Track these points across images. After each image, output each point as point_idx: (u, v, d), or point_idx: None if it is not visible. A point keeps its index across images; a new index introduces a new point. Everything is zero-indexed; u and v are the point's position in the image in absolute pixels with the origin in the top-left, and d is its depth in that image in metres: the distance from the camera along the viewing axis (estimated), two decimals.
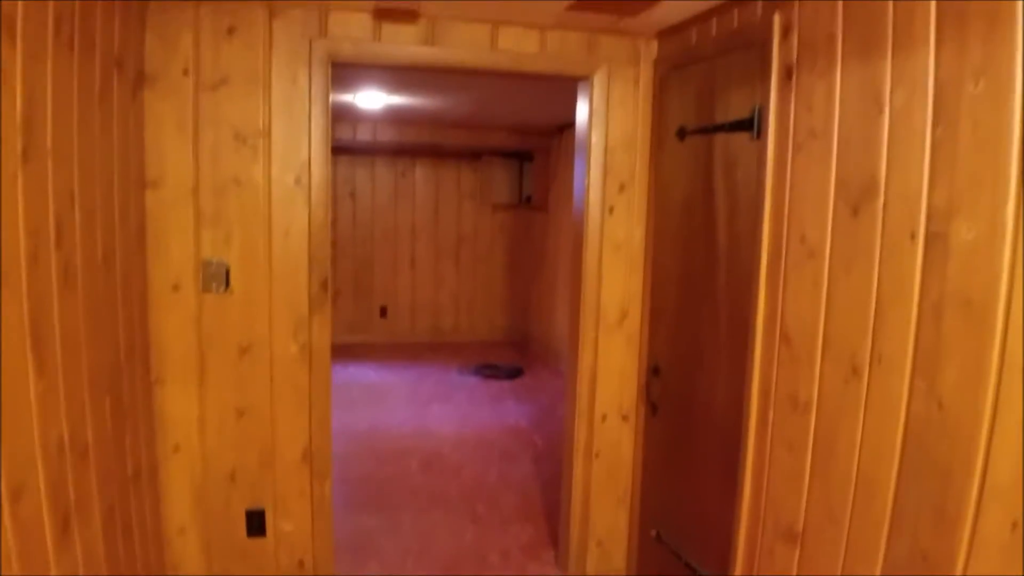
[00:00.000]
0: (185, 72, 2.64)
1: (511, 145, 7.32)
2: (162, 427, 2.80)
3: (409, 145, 7.36)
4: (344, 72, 4.16)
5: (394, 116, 6.45)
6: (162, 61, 2.62)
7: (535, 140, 7.33)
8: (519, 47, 2.81)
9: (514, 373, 6.79)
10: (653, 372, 2.96)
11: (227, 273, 2.75)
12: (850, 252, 1.89)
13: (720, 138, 2.50)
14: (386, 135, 6.99)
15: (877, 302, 1.81)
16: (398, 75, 4.29)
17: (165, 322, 2.73)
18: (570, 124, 6.71)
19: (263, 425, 2.87)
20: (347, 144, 7.44)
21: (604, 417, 3.13)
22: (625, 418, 3.15)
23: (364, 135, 6.95)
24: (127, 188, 2.49)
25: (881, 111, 1.78)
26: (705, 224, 2.60)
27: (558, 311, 7.19)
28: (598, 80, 2.89)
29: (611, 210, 2.98)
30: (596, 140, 2.93)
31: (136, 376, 2.60)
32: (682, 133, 2.72)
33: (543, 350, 7.64)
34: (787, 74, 2.15)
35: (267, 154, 2.73)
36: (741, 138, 2.36)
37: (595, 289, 3.03)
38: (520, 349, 7.91)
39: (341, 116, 6.58)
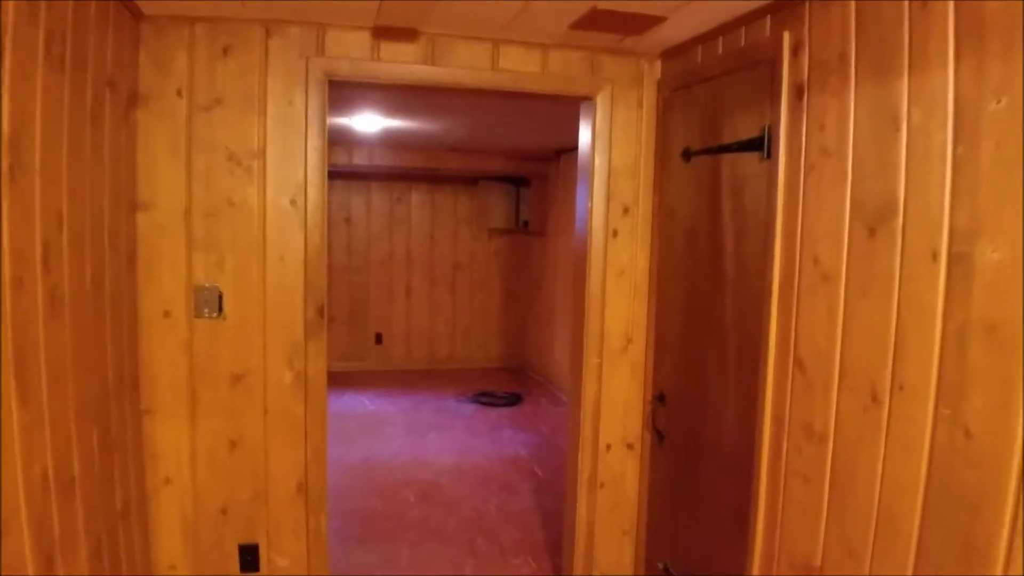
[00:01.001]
0: (179, 93, 2.58)
1: (508, 170, 7.29)
2: (152, 459, 2.70)
3: (405, 170, 7.32)
4: (341, 94, 4.11)
5: (391, 140, 6.41)
6: (155, 81, 2.56)
7: (532, 165, 7.30)
8: (520, 67, 2.76)
9: (512, 401, 6.69)
10: (659, 400, 2.89)
11: (220, 298, 2.67)
12: (867, 274, 1.83)
13: (727, 159, 2.44)
14: (382, 159, 6.95)
15: (897, 326, 1.74)
16: (395, 97, 4.25)
17: (156, 349, 2.65)
18: (568, 149, 6.69)
19: (256, 457, 2.77)
20: (343, 169, 7.39)
21: (608, 447, 3.05)
22: (630, 447, 3.06)
23: (360, 159, 6.90)
24: (118, 210, 2.42)
25: (898, 129, 1.73)
26: (712, 247, 2.54)
27: (556, 338, 7.11)
28: (601, 101, 2.84)
29: (615, 234, 2.92)
30: (599, 162, 2.87)
31: (125, 406, 2.51)
32: (687, 155, 2.67)
33: (541, 378, 7.55)
34: (798, 93, 2.10)
35: (262, 176, 2.66)
36: (750, 159, 2.31)
37: (598, 315, 2.96)
38: (517, 377, 7.82)
39: (337, 140, 6.54)
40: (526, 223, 7.77)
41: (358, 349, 7.92)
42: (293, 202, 2.69)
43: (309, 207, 2.70)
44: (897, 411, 1.74)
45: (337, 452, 5.24)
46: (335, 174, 7.62)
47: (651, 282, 2.96)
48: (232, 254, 2.67)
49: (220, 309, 2.68)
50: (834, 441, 1.95)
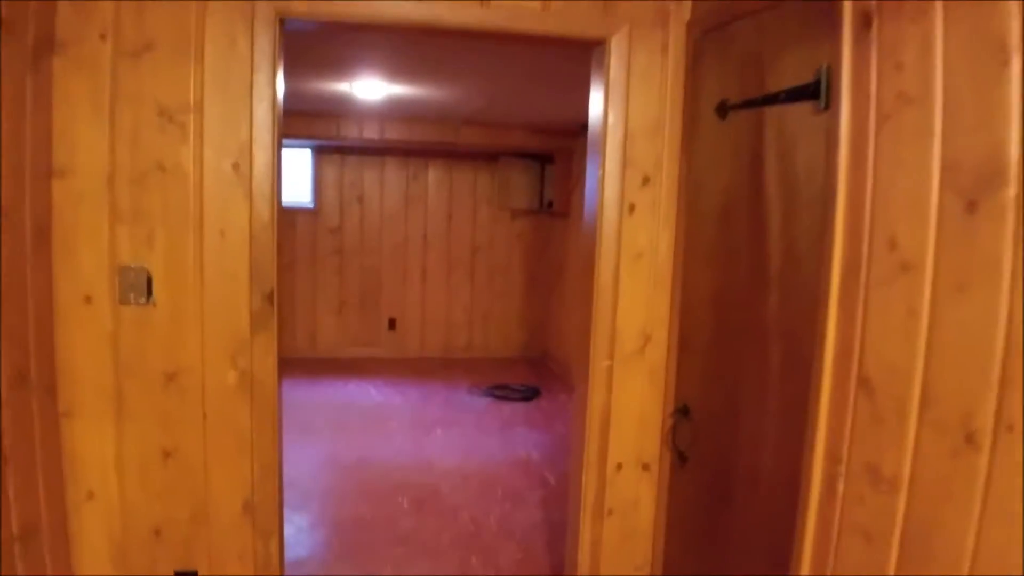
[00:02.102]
0: (102, 37, 2.13)
1: (531, 146, 6.76)
2: (72, 470, 2.27)
3: (420, 144, 6.83)
4: (335, 55, 3.65)
5: (401, 111, 5.93)
6: (75, 24, 2.11)
7: (556, 140, 6.76)
8: (516, 2, 2.25)
9: (529, 395, 6.20)
10: (682, 414, 2.37)
11: (149, 282, 2.22)
12: (964, 264, 1.30)
13: (773, 112, 1.91)
14: (395, 133, 6.47)
15: (1007, 339, 1.22)
16: (392, 56, 3.75)
17: (75, 341, 2.21)
18: None
19: (194, 471, 2.32)
20: (354, 143, 6.94)
21: (619, 467, 2.54)
22: (646, 468, 2.55)
23: (370, 133, 6.43)
24: (26, 177, 1.98)
25: (1006, 64, 1.20)
26: (752, 227, 2.01)
27: (578, 324, 6.59)
28: (616, 46, 2.31)
29: (631, 209, 2.40)
30: (613, 121, 2.35)
31: (35, 408, 2.08)
32: (723, 110, 2.14)
33: (562, 370, 7.05)
34: (864, 22, 1.56)
35: (198, 134, 2.20)
36: (802, 110, 1.77)
37: (610, 308, 2.44)
38: (537, 368, 7.33)
39: (344, 111, 6.07)
40: (550, 203, 7.24)
41: (370, 335, 7.49)
42: (236, 166, 2.22)
43: (256, 173, 2.23)
44: (1002, 458, 1.23)
45: (332, 449, 4.81)
46: (346, 149, 7.17)
47: (675, 269, 2.44)
48: (163, 228, 2.21)
49: (149, 294, 2.22)
50: (909, 491, 1.43)
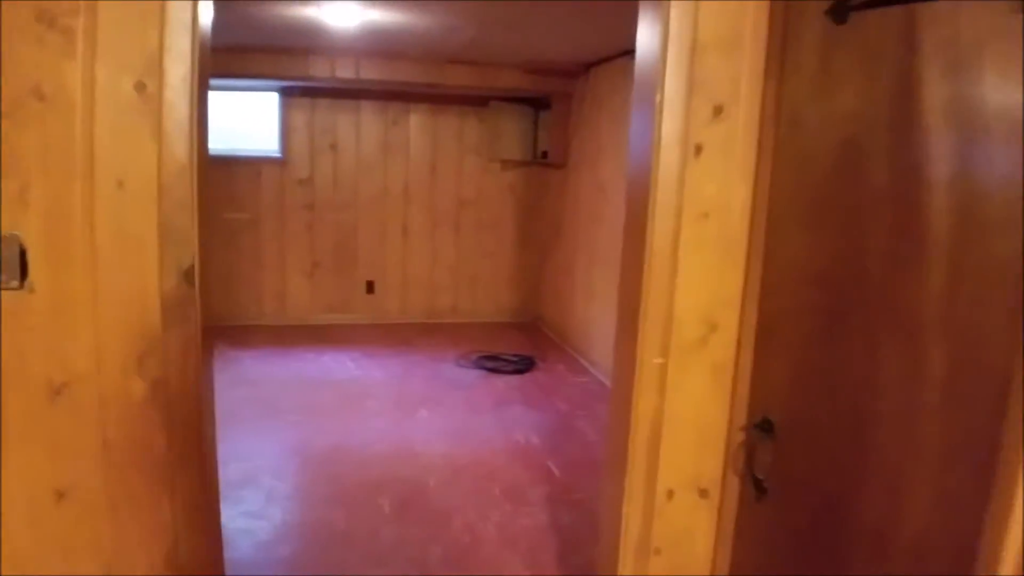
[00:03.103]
0: None
1: (525, 88, 6.04)
2: None
3: (400, 86, 6.10)
4: None
5: (379, 45, 5.19)
6: None
7: (554, 82, 6.04)
8: None
9: (523, 366, 5.59)
10: (760, 429, 1.74)
11: (22, 257, 1.54)
12: None
13: (936, 10, 1.25)
14: (372, 72, 5.73)
15: None
16: None
17: None
18: (600, 61, 5.43)
19: (97, 515, 1.68)
20: (325, 84, 6.19)
21: (670, 493, 1.92)
22: (704, 495, 1.94)
23: (345, 72, 5.69)
24: None
25: None
26: (897, 176, 1.37)
27: (578, 291, 5.97)
28: None
29: (697, 151, 1.74)
30: (677, 29, 1.68)
31: None
32: (841, 10, 1.47)
33: (559, 336, 6.44)
34: None
35: (90, 43, 1.50)
36: (991, 7, 1.12)
37: (665, 285, 1.80)
38: (531, 334, 6.71)
39: (313, 46, 5.33)
40: (544, 153, 6.55)
41: (345, 299, 6.81)
42: (140, 87, 1.53)
43: (168, 96, 1.55)
44: None
45: (302, 435, 4.18)
46: (317, 91, 6.41)
47: (753, 233, 1.79)
48: (42, 180, 1.53)
49: (24, 275, 1.55)
50: None
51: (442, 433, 4.26)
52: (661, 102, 1.72)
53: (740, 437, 1.84)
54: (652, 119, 1.74)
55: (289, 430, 4.25)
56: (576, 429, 4.40)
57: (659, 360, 1.81)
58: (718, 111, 1.74)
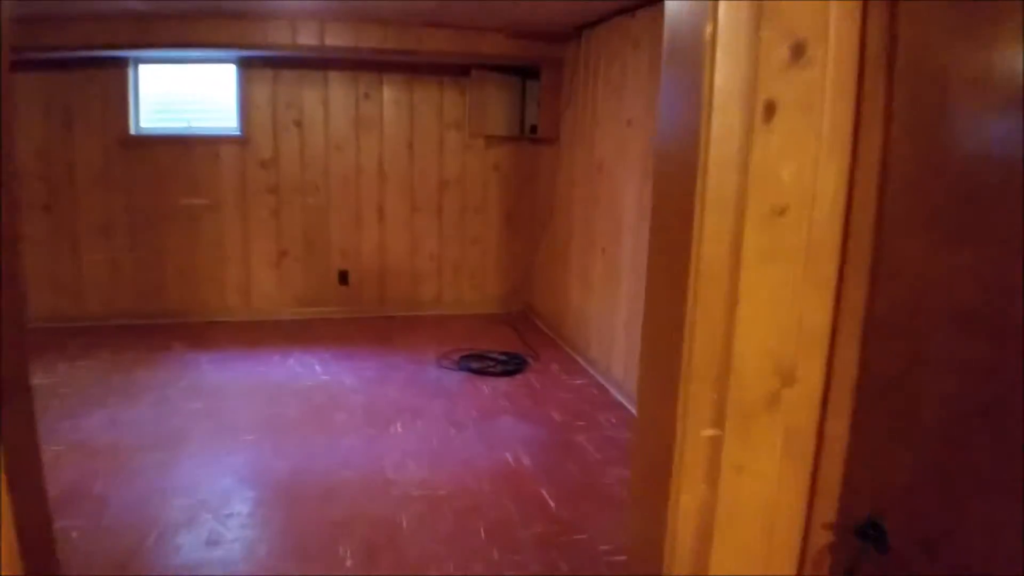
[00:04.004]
0: None
1: (510, 54, 5.40)
2: None
3: (371, 53, 5.43)
4: None
5: (347, 7, 4.54)
6: None
7: (543, 47, 5.40)
8: None
9: (513, 367, 4.99)
10: (863, 535, 1.16)
11: None
12: None
13: None
14: (339, 38, 5.08)
15: None
16: None
17: None
18: (594, 22, 4.79)
19: None
20: (287, 54, 5.53)
21: None
22: None
23: (308, 38, 5.04)
24: None
25: None
26: None
27: (573, 280, 5.37)
28: None
29: (768, 112, 1.14)
30: None
31: None
32: None
33: (552, 328, 5.84)
34: None
35: None
36: None
37: (718, 319, 1.20)
38: (521, 327, 6.10)
39: (271, 10, 4.68)
40: (533, 128, 5.92)
41: (317, 292, 6.19)
42: None
43: None
44: None
45: (257, 459, 3.59)
46: (278, 61, 5.75)
47: (853, 238, 1.19)
48: None
49: None
50: None
51: (419, 454, 3.67)
52: (713, 37, 1.11)
53: (825, 540, 1.24)
54: (698, 66, 1.14)
55: (244, 453, 3.65)
56: (574, 445, 3.81)
57: (710, 432, 1.21)
58: (798, 52, 1.13)
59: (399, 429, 3.97)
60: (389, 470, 3.49)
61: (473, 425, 4.05)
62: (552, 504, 3.22)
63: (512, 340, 5.67)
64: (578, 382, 4.79)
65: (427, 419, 4.12)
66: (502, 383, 4.74)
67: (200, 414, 4.12)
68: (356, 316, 6.23)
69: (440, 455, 3.67)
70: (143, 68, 5.73)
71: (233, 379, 4.72)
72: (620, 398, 4.46)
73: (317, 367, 4.97)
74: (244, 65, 5.76)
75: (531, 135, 5.98)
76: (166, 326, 5.83)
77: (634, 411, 4.18)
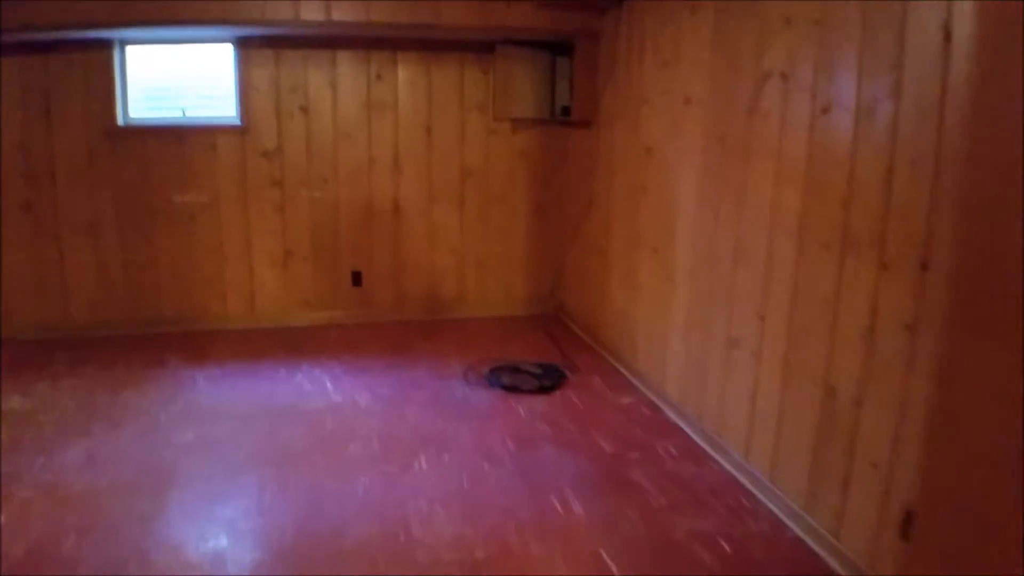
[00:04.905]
0: None
1: (540, 27, 4.76)
2: None
3: (384, 29, 4.84)
4: None
5: None
6: None
7: (577, 18, 4.77)
8: None
9: (550, 381, 4.40)
10: None
11: None
12: None
13: None
14: (346, 13, 4.47)
15: None
16: None
17: None
18: None
19: None
20: (290, 32, 4.93)
21: None
22: None
23: (312, 13, 4.43)
24: None
25: None
26: None
27: (615, 277, 4.76)
28: None
29: None
30: None
31: None
32: None
33: (589, 333, 5.25)
34: None
35: None
36: None
37: None
38: (553, 332, 5.51)
39: None
40: (566, 110, 5.30)
41: (326, 295, 5.61)
42: None
43: None
44: None
45: (260, 505, 3.02)
46: (279, 40, 5.15)
47: None
48: None
49: None
50: None
51: (448, 499, 3.09)
52: None
53: None
54: None
55: (241, 499, 3.09)
56: (631, 486, 3.22)
57: None
58: None
59: (423, 465, 3.39)
60: (414, 523, 2.91)
61: (510, 458, 3.47)
62: (614, 570, 2.63)
63: (546, 347, 5.08)
64: (626, 400, 4.19)
65: (455, 450, 3.54)
66: (539, 402, 4.15)
67: (193, 446, 3.56)
68: (370, 320, 5.65)
69: (474, 500, 3.09)
70: (130, 50, 5.14)
71: (232, 400, 4.15)
72: (677, 421, 3.86)
73: (328, 384, 4.39)
74: (242, 45, 5.16)
75: (563, 117, 5.36)
76: (160, 336, 5.27)
77: (694, 437, 3.59)
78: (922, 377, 2.24)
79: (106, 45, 4.99)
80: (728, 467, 3.36)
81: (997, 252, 1.89)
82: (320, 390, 4.30)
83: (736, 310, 3.33)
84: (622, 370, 4.60)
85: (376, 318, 5.67)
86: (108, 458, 3.43)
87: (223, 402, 4.12)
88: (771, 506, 3.03)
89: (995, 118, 1.91)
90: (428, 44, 5.36)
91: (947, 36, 2.12)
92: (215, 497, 3.10)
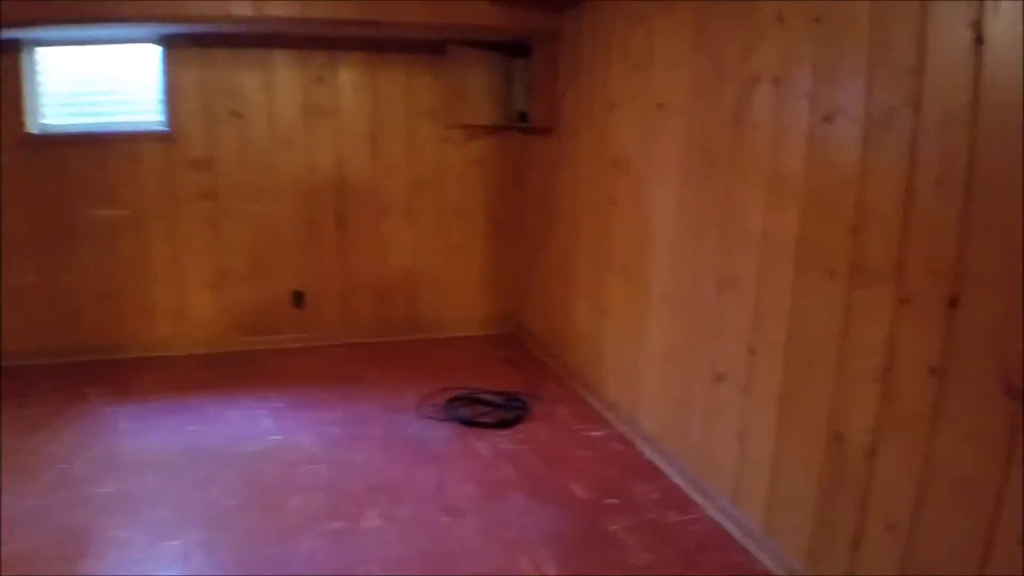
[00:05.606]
0: None
1: (494, 26, 4.39)
2: None
3: (325, 27, 4.41)
4: None
5: None
6: None
7: (535, 17, 4.42)
8: None
9: (513, 414, 4.03)
10: None
11: None
12: None
13: None
14: (282, 9, 4.04)
15: None
16: None
17: None
18: None
19: None
20: (220, 29, 4.47)
21: None
22: None
23: (241, 8, 3.99)
24: None
25: None
26: None
27: (582, 298, 4.42)
28: None
29: None
30: None
31: None
32: None
33: (553, 357, 4.89)
34: None
35: None
36: None
37: None
38: (514, 355, 5.15)
39: None
40: (523, 116, 4.94)
41: (266, 317, 5.15)
42: None
43: None
44: None
45: None
46: (209, 39, 4.68)
47: None
48: None
49: None
50: None
51: (405, 562, 2.69)
52: None
53: None
54: None
55: (162, 569, 2.65)
56: (611, 541, 2.86)
57: None
58: None
59: (376, 521, 2.99)
60: None
61: (474, 510, 3.08)
62: None
63: (507, 374, 4.71)
64: (596, 434, 3.84)
65: (411, 502, 3.14)
66: (502, 438, 3.78)
67: (111, 503, 3.10)
68: (315, 345, 5.21)
69: (434, 564, 2.70)
70: (42, 52, 4.62)
71: (158, 444, 3.68)
72: (653, 458, 3.52)
73: (266, 421, 3.95)
74: (169, 44, 4.68)
75: (521, 124, 5.00)
76: (83, 366, 4.76)
77: (674, 478, 3.25)
78: (950, 430, 1.94)
79: (14, 46, 4.47)
80: (715, 515, 3.02)
81: None
82: (257, 430, 3.86)
83: (722, 341, 3.01)
84: (589, 399, 4.25)
85: (321, 342, 5.23)
86: (15, 519, 2.95)
87: (147, 447, 3.65)
88: (767, 563, 2.70)
89: None
90: (373, 44, 4.95)
91: (978, 37, 1.82)
92: (132, 567, 2.65)
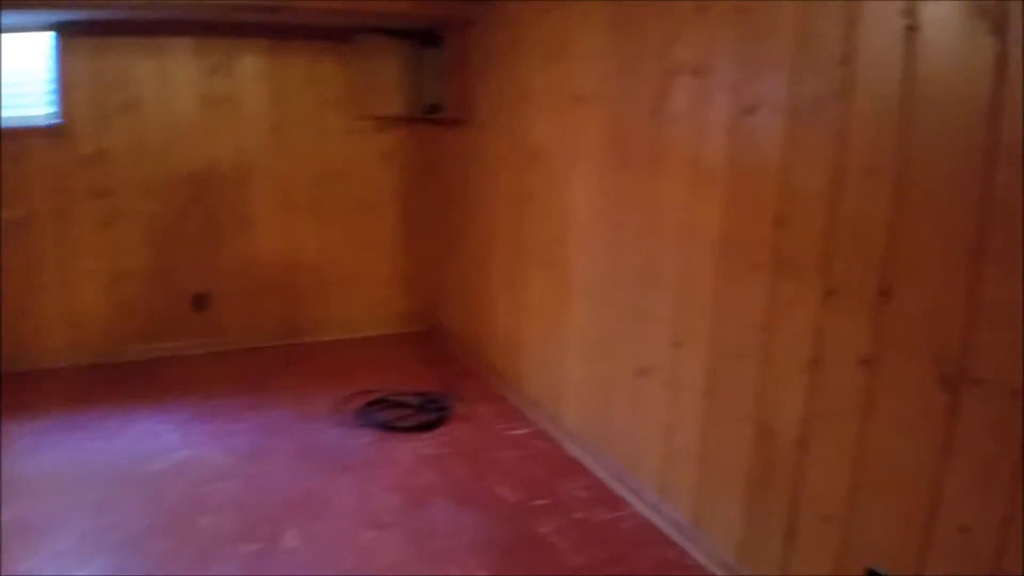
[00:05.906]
0: None
1: (403, 13, 4.24)
2: None
3: (222, 12, 4.16)
4: None
5: None
6: None
7: (444, 5, 4.29)
8: None
9: (433, 416, 3.91)
10: None
11: None
12: None
13: None
14: None
15: None
16: None
17: None
18: None
19: None
20: (112, 14, 4.16)
21: None
22: None
23: None
24: None
25: None
26: None
27: (500, 295, 4.33)
28: None
29: None
30: None
31: None
32: None
33: (471, 354, 4.79)
34: None
35: None
36: None
37: None
38: (431, 353, 5.02)
39: None
40: (435, 107, 4.81)
41: (166, 322, 4.86)
42: None
43: None
44: None
45: None
46: (102, 26, 4.35)
47: None
48: None
49: None
50: None
51: None
52: None
53: None
54: None
55: None
56: (542, 544, 2.79)
57: None
58: None
59: (295, 540, 2.82)
60: None
61: (398, 521, 2.96)
62: None
63: (425, 373, 4.58)
64: (519, 432, 3.77)
65: (331, 517, 2.99)
66: (423, 442, 3.66)
67: (8, 532, 2.82)
68: (220, 350, 4.95)
69: None
70: None
71: (56, 465, 3.39)
72: (578, 454, 3.47)
73: (170, 435, 3.71)
74: (63, 32, 4.32)
75: (432, 115, 4.86)
76: None
77: (600, 474, 3.21)
78: (884, 420, 1.94)
79: None
80: (643, 511, 2.99)
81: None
82: (161, 445, 3.61)
83: (646, 334, 2.97)
84: (511, 397, 4.17)
85: (227, 347, 4.97)
86: None
87: (44, 468, 3.36)
88: (699, 557, 2.68)
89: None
90: (275, 30, 4.71)
91: (911, 25, 1.80)
92: None
